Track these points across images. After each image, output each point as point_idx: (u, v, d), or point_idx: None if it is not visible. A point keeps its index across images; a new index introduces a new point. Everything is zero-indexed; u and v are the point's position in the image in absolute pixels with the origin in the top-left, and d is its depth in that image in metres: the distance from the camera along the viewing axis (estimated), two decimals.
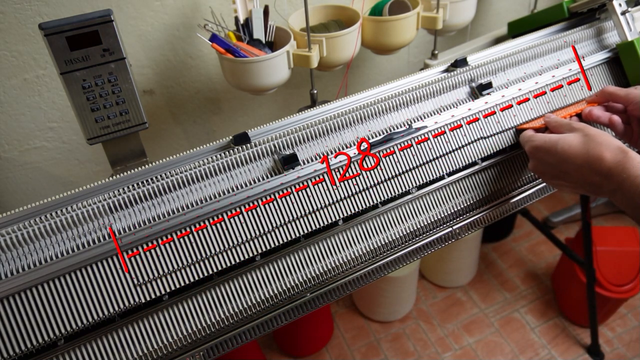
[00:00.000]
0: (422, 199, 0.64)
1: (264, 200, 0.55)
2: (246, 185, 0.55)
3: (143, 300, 0.51)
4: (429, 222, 0.64)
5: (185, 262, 0.52)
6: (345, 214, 0.59)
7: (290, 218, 0.56)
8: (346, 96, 0.65)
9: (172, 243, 0.52)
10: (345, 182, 0.59)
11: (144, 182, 0.53)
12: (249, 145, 0.57)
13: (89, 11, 0.54)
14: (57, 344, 0.49)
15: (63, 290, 0.48)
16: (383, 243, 0.61)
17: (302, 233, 0.57)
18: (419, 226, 0.63)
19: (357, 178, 0.60)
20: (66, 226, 0.49)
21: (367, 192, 0.60)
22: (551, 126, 0.63)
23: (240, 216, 0.55)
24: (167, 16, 0.87)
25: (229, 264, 0.54)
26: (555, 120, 0.62)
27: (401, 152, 0.62)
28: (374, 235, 0.61)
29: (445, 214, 0.65)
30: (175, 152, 0.57)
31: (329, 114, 0.61)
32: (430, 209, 0.64)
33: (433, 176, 0.64)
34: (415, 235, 0.64)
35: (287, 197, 0.56)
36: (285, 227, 0.56)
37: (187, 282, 0.53)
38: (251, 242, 0.55)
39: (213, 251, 0.53)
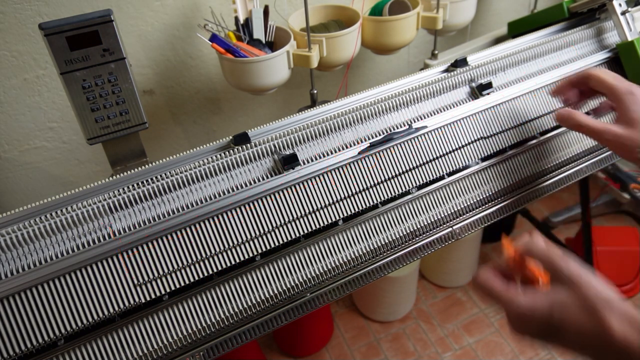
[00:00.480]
0: (422, 199, 0.64)
1: (264, 200, 0.55)
2: (246, 185, 0.55)
3: (143, 300, 0.51)
4: (429, 222, 0.64)
5: (185, 262, 0.52)
6: (345, 214, 0.59)
7: (290, 218, 0.56)
8: (346, 96, 0.65)
9: (172, 243, 0.52)
10: (346, 182, 0.59)
11: (144, 182, 0.53)
12: (249, 145, 0.57)
13: (89, 11, 0.54)
14: (57, 344, 0.49)
15: (63, 290, 0.48)
16: (383, 243, 0.61)
17: (302, 233, 0.57)
18: (419, 226, 0.63)
19: (357, 178, 0.60)
20: (66, 226, 0.49)
21: (367, 192, 0.60)
22: (542, 260, 0.46)
23: (240, 216, 0.55)
24: (167, 16, 0.87)
25: (229, 264, 0.54)
26: (546, 257, 0.46)
27: (401, 152, 0.62)
28: (374, 235, 0.61)
29: (445, 214, 0.65)
30: (175, 152, 0.57)
31: (329, 114, 0.61)
32: (430, 209, 0.64)
33: (433, 176, 0.64)
34: (415, 235, 0.64)
35: (287, 197, 0.56)
36: (285, 227, 0.56)
37: (187, 282, 0.53)
38: (251, 242, 0.55)
39: (213, 251, 0.53)
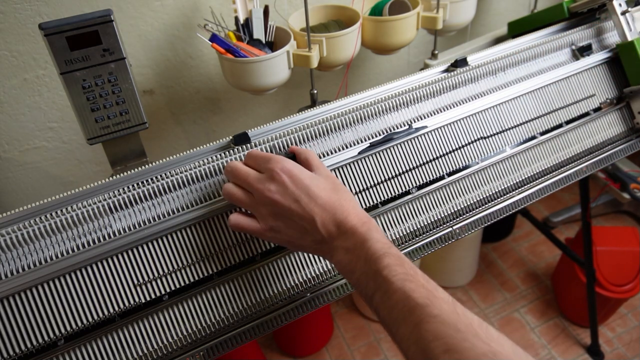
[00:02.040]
0: (422, 199, 0.64)
1: None
2: None
3: (143, 300, 0.51)
4: (429, 222, 0.64)
5: (185, 262, 0.52)
6: None
7: None
8: (346, 96, 0.65)
9: (172, 243, 0.52)
10: (345, 182, 0.59)
11: (144, 182, 0.53)
12: (249, 145, 0.57)
13: (89, 11, 0.53)
14: (57, 344, 0.48)
15: (63, 290, 0.48)
16: None
17: None
18: (419, 226, 0.63)
19: (357, 178, 0.60)
20: (66, 226, 0.49)
21: (367, 192, 0.60)
22: (301, 159, 0.53)
23: None
24: (167, 16, 0.87)
25: (229, 264, 0.54)
26: (311, 154, 0.53)
27: (401, 152, 0.62)
28: None
29: (445, 214, 0.65)
30: (175, 152, 0.57)
31: (329, 114, 0.61)
32: (430, 209, 0.64)
33: (433, 176, 0.64)
34: (415, 235, 0.64)
35: None
36: None
37: (187, 282, 0.53)
38: (251, 242, 0.55)
39: (213, 251, 0.53)
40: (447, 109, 0.65)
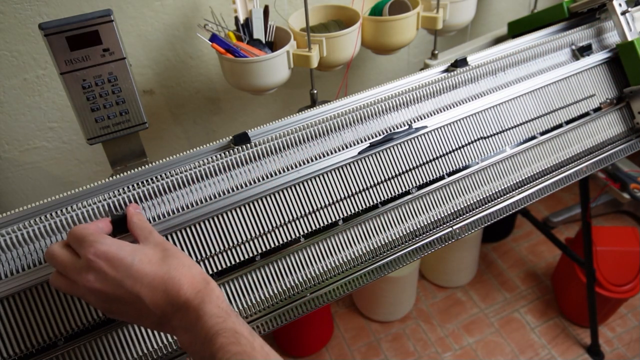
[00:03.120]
0: (422, 199, 0.64)
1: (264, 200, 0.55)
2: (246, 185, 0.55)
3: None
4: (429, 222, 0.64)
5: None
6: (345, 214, 0.59)
7: (290, 218, 0.56)
8: (346, 96, 0.65)
9: (171, 243, 0.52)
10: (346, 182, 0.59)
11: (144, 182, 0.53)
12: (249, 145, 0.57)
13: (89, 11, 0.54)
14: (57, 344, 0.48)
15: None
16: (383, 243, 0.61)
17: (302, 233, 0.57)
18: (419, 226, 0.63)
19: (357, 178, 0.60)
20: (66, 226, 0.49)
21: (367, 192, 0.60)
22: (130, 227, 0.48)
23: (240, 216, 0.55)
24: (167, 16, 0.87)
25: (228, 264, 0.54)
26: (138, 221, 0.48)
27: (401, 152, 0.62)
28: (374, 235, 0.61)
29: (445, 214, 0.65)
30: (175, 152, 0.57)
31: (329, 114, 0.62)
32: (430, 209, 0.64)
33: (433, 176, 0.64)
34: (415, 235, 0.64)
35: (287, 197, 0.56)
36: (285, 227, 0.56)
37: None
38: (251, 242, 0.55)
39: (213, 251, 0.53)
40: (447, 109, 0.65)
